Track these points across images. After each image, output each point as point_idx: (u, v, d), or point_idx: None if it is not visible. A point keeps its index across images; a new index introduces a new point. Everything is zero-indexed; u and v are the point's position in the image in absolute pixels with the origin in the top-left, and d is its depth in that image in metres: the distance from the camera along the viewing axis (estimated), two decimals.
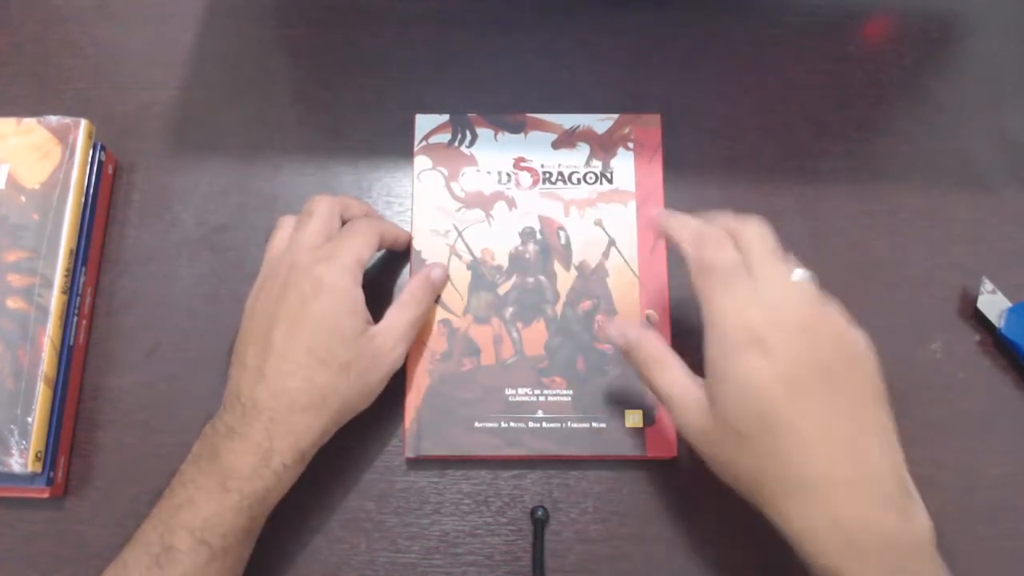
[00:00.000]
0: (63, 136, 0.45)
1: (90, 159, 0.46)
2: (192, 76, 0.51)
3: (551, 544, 0.41)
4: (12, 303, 0.42)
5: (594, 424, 0.42)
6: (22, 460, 0.40)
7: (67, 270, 0.43)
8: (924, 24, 0.51)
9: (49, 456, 0.41)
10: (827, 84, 0.50)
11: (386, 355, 0.39)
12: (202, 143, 0.49)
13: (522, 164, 0.46)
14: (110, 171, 0.48)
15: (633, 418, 0.42)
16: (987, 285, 0.44)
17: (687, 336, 0.41)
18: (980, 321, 0.45)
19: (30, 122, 0.45)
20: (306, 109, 0.50)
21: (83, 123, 0.46)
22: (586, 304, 0.44)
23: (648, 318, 0.43)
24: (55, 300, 0.42)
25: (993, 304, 0.44)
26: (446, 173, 0.46)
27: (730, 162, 0.48)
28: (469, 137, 0.47)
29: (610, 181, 0.46)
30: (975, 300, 0.44)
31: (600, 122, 0.47)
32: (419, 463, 0.43)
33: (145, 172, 0.49)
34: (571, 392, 0.42)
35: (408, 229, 0.45)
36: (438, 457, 0.42)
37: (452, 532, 0.42)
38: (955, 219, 0.47)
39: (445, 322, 0.44)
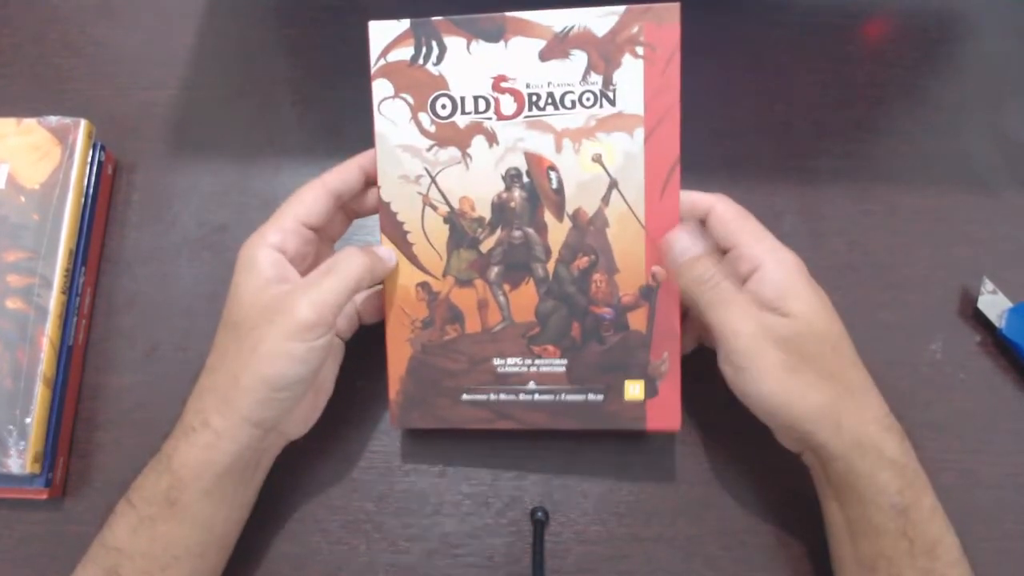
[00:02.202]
0: (63, 136, 0.45)
1: (90, 159, 0.46)
2: (192, 76, 0.51)
3: (551, 544, 0.41)
4: (11, 303, 0.42)
5: (590, 396, 0.39)
6: (21, 461, 0.40)
7: (67, 270, 0.43)
8: (924, 24, 0.51)
9: (48, 457, 0.41)
10: (827, 84, 0.50)
11: (282, 311, 0.34)
12: (202, 143, 0.49)
13: (503, 84, 0.38)
14: (110, 171, 0.48)
15: (633, 389, 0.39)
16: (987, 285, 0.44)
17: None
18: (980, 321, 0.45)
19: (30, 122, 0.45)
20: (306, 109, 0.50)
21: (83, 123, 0.46)
22: (582, 261, 0.39)
23: (654, 276, 0.39)
24: (54, 300, 0.42)
25: (993, 304, 0.44)
26: (412, 101, 0.38)
27: (730, 162, 0.48)
28: (437, 50, 0.38)
29: (612, 102, 0.38)
30: (975, 300, 0.44)
31: (600, 19, 0.37)
32: (419, 462, 0.43)
33: (145, 172, 0.49)
34: (565, 362, 0.39)
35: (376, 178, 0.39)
36: (426, 429, 0.41)
37: (452, 533, 0.42)
38: (955, 219, 0.47)
39: (424, 285, 0.39)
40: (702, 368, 0.40)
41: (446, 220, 0.39)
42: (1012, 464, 0.42)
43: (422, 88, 0.38)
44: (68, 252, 0.43)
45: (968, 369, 0.44)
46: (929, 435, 0.42)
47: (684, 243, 0.37)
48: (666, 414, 0.39)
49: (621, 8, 0.37)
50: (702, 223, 0.38)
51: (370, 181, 0.39)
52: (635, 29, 0.37)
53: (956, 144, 0.49)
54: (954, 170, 0.48)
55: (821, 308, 0.35)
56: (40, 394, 0.41)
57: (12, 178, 0.44)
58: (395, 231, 0.39)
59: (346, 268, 0.36)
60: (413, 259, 0.39)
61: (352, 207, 0.40)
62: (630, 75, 0.37)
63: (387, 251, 0.39)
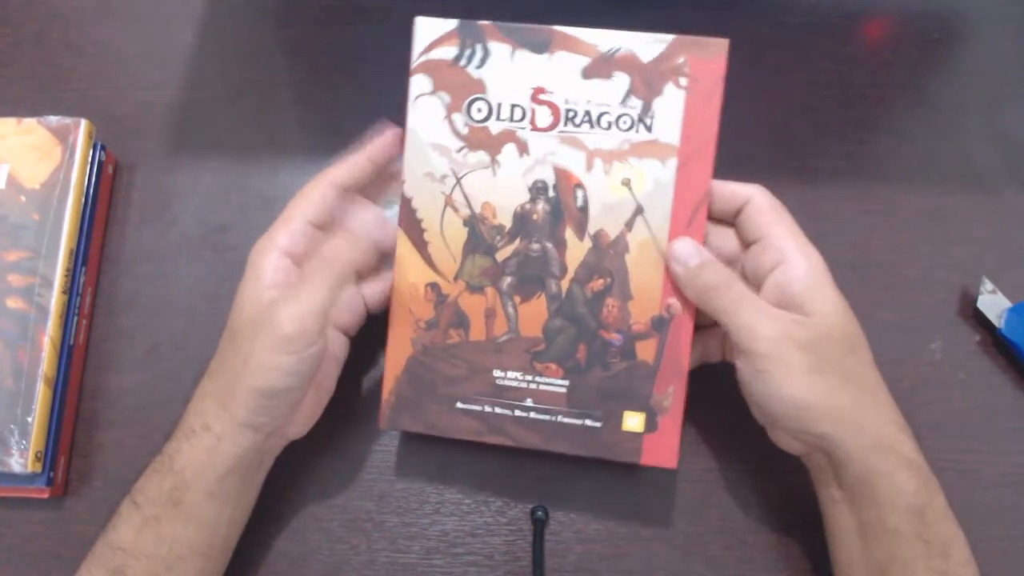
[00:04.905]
0: (63, 136, 0.45)
1: (90, 159, 0.46)
2: (192, 76, 0.51)
3: (551, 544, 0.41)
4: (12, 303, 0.42)
5: (588, 422, 0.38)
6: (22, 460, 0.40)
7: (67, 270, 0.43)
8: (924, 24, 0.51)
9: (49, 456, 0.41)
10: (827, 84, 0.50)
11: (267, 324, 0.33)
12: (202, 143, 0.49)
13: (541, 96, 0.37)
14: (110, 171, 0.48)
15: (633, 421, 0.38)
16: (987, 285, 0.44)
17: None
18: (980, 321, 0.45)
19: (30, 122, 0.45)
20: (306, 109, 0.50)
21: (83, 123, 0.46)
22: (597, 283, 0.38)
23: (669, 308, 0.37)
24: (55, 300, 0.42)
25: (993, 304, 0.44)
26: (448, 101, 0.38)
27: (730, 162, 0.48)
28: (480, 54, 0.37)
29: (649, 129, 0.37)
30: (975, 300, 0.44)
31: (648, 45, 0.37)
32: (419, 461, 0.43)
33: (145, 172, 0.49)
34: (567, 383, 0.38)
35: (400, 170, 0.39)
36: (414, 433, 0.40)
37: (452, 532, 0.42)
38: (955, 219, 0.47)
39: (433, 286, 0.39)
40: (702, 368, 0.40)
41: (465, 223, 0.38)
42: (1012, 464, 0.42)
43: (460, 89, 0.38)
44: (69, 252, 0.44)
45: (968, 369, 0.44)
46: (929, 435, 0.42)
47: (688, 250, 0.36)
48: (663, 451, 0.38)
49: (669, 37, 0.37)
50: (735, 215, 0.38)
51: (381, 173, 0.39)
52: (681, 60, 0.37)
53: (956, 144, 0.49)
54: (954, 170, 0.48)
55: (843, 310, 0.35)
56: (41, 393, 0.41)
57: (12, 178, 0.44)
58: (413, 228, 0.39)
59: (323, 273, 0.34)
60: (427, 258, 0.39)
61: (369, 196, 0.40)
62: (670, 104, 0.37)
63: (373, 216, 0.38)
